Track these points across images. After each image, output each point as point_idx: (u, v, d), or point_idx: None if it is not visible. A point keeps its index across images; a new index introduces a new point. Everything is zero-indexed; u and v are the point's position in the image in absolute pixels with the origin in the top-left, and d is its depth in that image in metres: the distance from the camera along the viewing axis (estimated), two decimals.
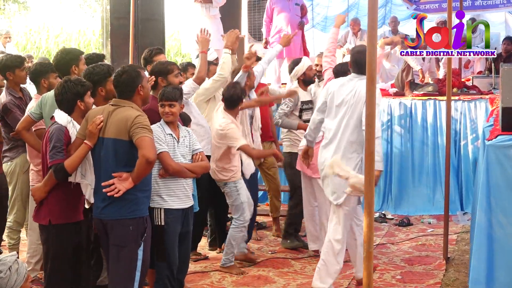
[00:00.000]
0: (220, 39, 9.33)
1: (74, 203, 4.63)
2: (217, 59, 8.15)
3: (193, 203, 5.26)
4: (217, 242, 7.11)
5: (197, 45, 6.69)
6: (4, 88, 6.05)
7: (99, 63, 5.22)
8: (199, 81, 6.29)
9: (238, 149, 6.22)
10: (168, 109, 5.09)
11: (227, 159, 6.31)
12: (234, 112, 6.34)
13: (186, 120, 5.68)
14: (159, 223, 4.97)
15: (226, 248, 6.39)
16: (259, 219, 8.07)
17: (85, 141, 4.48)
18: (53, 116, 4.66)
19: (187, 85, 6.13)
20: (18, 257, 3.65)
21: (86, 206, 4.69)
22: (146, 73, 5.76)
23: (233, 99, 6.29)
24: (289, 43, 7.65)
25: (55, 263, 4.58)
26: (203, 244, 7.22)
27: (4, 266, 3.51)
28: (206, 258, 6.81)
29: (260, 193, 9.20)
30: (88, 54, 6.08)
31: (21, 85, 6.14)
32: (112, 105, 4.53)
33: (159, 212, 4.98)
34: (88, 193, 4.62)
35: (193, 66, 7.24)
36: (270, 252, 7.08)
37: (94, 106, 4.76)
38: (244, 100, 6.44)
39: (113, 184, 4.35)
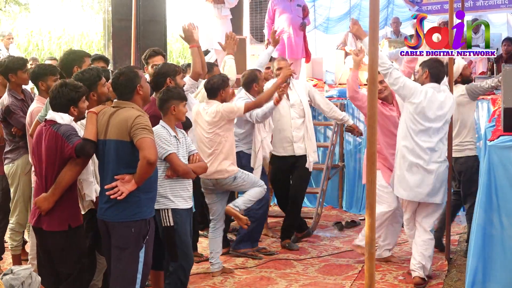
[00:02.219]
0: None
1: (79, 204, 4.68)
2: (217, 60, 8.13)
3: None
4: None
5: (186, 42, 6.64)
6: (6, 90, 6.07)
7: (88, 67, 5.23)
8: (196, 76, 6.23)
9: (245, 110, 6.17)
10: (185, 109, 5.17)
11: (231, 149, 6.22)
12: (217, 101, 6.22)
13: (187, 126, 5.70)
14: (168, 224, 5.00)
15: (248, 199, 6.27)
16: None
17: (91, 110, 4.56)
18: (46, 119, 4.61)
19: (185, 82, 6.15)
20: (32, 270, 3.62)
21: (84, 209, 4.73)
22: (147, 76, 5.80)
23: (212, 88, 6.19)
24: (278, 42, 7.45)
25: (83, 263, 4.64)
26: (205, 246, 7.22)
27: (17, 281, 3.49)
28: (207, 259, 6.80)
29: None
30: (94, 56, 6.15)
31: (23, 87, 6.16)
32: (113, 106, 4.53)
33: (166, 213, 5.01)
34: (89, 190, 4.64)
35: None
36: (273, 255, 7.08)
37: None
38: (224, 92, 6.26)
39: (116, 186, 4.36)
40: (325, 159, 8.52)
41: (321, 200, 8.19)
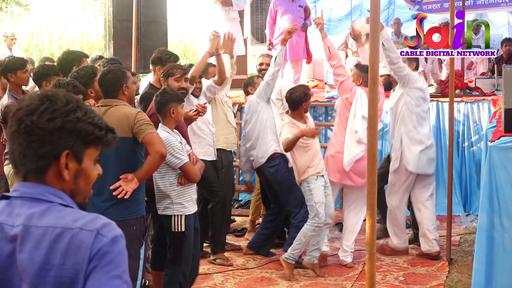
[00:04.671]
0: (238, 42, 9.43)
1: None
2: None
3: None
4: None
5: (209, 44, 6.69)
6: (6, 90, 6.08)
7: (83, 66, 5.24)
8: (220, 81, 6.50)
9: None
10: (183, 110, 5.13)
11: (303, 156, 6.19)
12: (296, 114, 6.21)
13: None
14: (180, 230, 4.92)
15: (296, 242, 6.24)
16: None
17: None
18: None
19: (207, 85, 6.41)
20: None
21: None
22: (148, 78, 5.80)
23: (295, 101, 6.19)
24: (290, 36, 7.09)
25: None
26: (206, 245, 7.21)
27: None
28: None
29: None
30: (107, 59, 6.19)
31: (24, 87, 6.17)
32: (102, 106, 4.50)
33: (179, 219, 4.93)
34: None
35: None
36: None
37: None
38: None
39: (119, 186, 4.34)
40: None
41: None
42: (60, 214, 1.79)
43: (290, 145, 6.06)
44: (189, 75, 6.18)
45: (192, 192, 5.06)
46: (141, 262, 4.48)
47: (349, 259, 6.56)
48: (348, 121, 6.50)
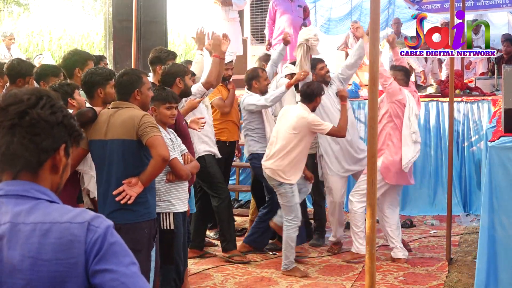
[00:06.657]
0: (238, 42, 9.39)
1: (74, 197, 4.61)
2: (231, 62, 8.02)
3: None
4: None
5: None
6: (4, 90, 6.06)
7: (102, 66, 5.22)
8: (208, 85, 6.28)
9: (329, 133, 6.29)
10: (175, 111, 5.08)
11: (300, 161, 6.33)
12: (310, 107, 6.37)
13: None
14: (168, 227, 4.91)
15: (285, 251, 6.33)
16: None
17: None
18: None
19: (195, 87, 6.15)
20: None
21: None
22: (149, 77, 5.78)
23: (312, 93, 6.36)
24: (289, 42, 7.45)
25: None
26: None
27: None
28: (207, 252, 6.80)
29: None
30: None
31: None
32: (112, 108, 4.47)
33: (167, 217, 4.91)
34: (92, 185, 4.61)
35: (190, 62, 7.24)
36: (271, 253, 7.07)
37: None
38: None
39: (123, 191, 4.31)
40: None
41: None
42: (47, 210, 1.80)
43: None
44: (204, 82, 6.17)
45: (181, 191, 5.03)
46: (153, 264, 4.44)
47: (402, 255, 6.67)
48: (404, 123, 6.50)
